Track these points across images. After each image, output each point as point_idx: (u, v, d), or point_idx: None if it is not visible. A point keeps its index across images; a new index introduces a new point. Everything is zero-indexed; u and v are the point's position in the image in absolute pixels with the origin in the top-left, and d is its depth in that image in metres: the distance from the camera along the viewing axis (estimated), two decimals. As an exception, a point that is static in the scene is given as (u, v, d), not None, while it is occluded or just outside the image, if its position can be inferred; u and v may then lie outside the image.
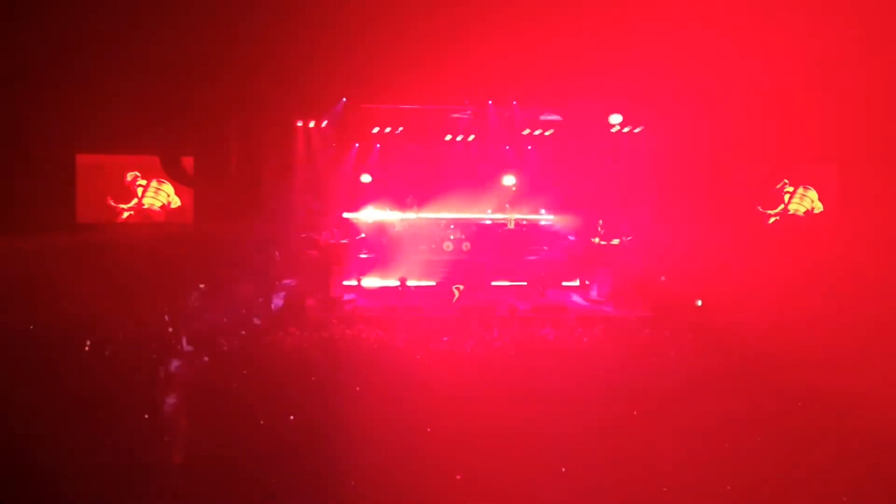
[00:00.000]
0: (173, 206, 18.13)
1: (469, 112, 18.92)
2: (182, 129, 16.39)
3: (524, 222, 19.57)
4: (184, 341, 13.69)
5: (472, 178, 19.82)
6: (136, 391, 10.61)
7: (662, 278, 17.41)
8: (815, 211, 19.48)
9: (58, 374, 10.62)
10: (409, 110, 18.74)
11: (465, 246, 19.04)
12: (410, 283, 17.23)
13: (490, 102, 18.33)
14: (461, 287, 16.86)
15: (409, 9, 14.22)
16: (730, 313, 14.80)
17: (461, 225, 19.51)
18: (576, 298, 17.58)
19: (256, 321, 14.75)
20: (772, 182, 18.96)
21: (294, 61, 15.26)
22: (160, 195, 18.07)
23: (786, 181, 19.27)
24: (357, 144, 19.65)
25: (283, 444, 9.16)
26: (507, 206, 19.67)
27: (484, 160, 19.90)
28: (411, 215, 19.49)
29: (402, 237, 19.07)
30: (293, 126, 18.19)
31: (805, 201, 19.50)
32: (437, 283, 18.14)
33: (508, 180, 19.87)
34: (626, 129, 18.68)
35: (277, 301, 16.09)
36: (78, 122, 16.49)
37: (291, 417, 9.81)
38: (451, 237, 19.15)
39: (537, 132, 19.28)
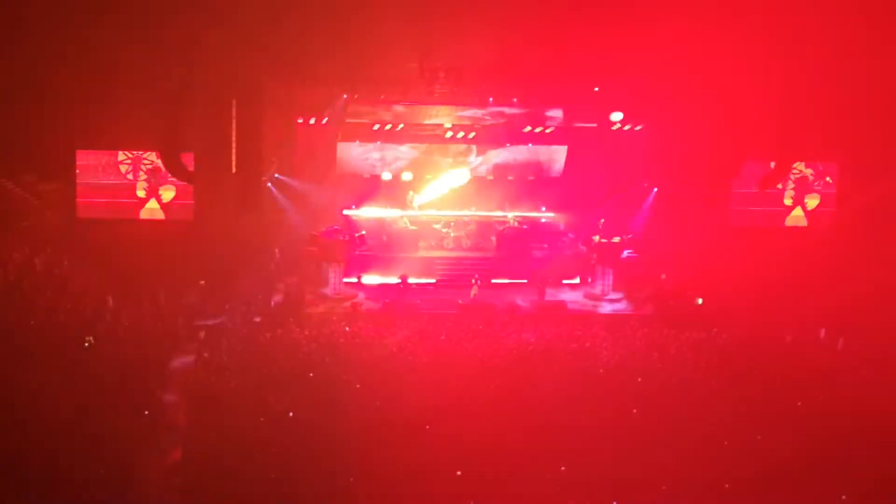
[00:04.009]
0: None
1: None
2: (182, 125, 16.33)
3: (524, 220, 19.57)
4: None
5: None
6: (137, 387, 10.63)
7: (663, 276, 17.42)
8: (814, 210, 19.51)
9: (58, 369, 10.61)
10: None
11: (465, 243, 19.01)
12: (411, 280, 17.21)
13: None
14: (479, 281, 16.87)
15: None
16: (730, 312, 14.81)
17: (461, 223, 19.50)
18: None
19: (256, 319, 14.77)
20: (772, 182, 18.94)
21: (296, 56, 15.21)
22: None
23: (787, 180, 19.29)
24: None
25: (283, 441, 9.18)
26: (507, 204, 19.63)
27: None
28: (411, 212, 19.47)
29: (403, 234, 19.05)
30: (293, 122, 18.14)
31: (805, 201, 19.52)
32: (438, 281, 18.13)
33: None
34: (626, 128, 18.64)
35: (277, 298, 16.07)
36: (78, 119, 16.46)
37: (291, 414, 9.82)
38: (452, 234, 19.13)
39: (538, 129, 19.24)
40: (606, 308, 16.67)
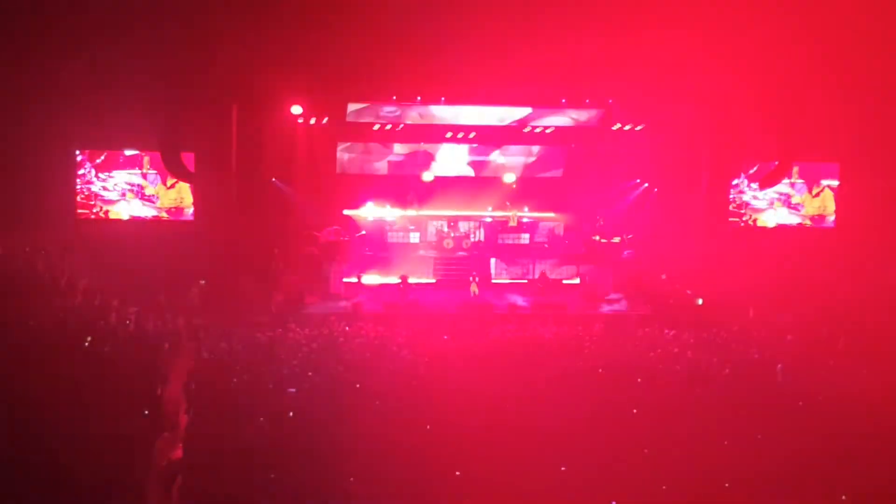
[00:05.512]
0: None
1: None
2: (182, 125, 16.34)
3: (525, 220, 19.54)
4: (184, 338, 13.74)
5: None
6: (137, 387, 10.61)
7: (663, 276, 17.42)
8: (813, 211, 19.58)
9: (58, 369, 10.60)
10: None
11: (466, 243, 18.99)
12: (411, 280, 17.20)
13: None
14: (477, 278, 16.87)
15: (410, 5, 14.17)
16: (730, 312, 14.81)
17: (461, 223, 19.48)
18: None
19: (256, 318, 14.76)
20: (773, 181, 18.96)
21: (298, 56, 15.21)
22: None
23: (785, 180, 19.34)
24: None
25: (283, 440, 9.17)
26: (508, 203, 19.60)
27: None
28: (412, 213, 19.44)
29: (403, 234, 19.03)
30: (294, 122, 18.14)
31: (803, 199, 19.60)
32: (438, 281, 18.13)
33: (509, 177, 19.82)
34: (626, 128, 18.63)
35: (277, 298, 16.07)
36: (78, 119, 16.47)
37: (290, 414, 9.81)
38: (452, 234, 19.10)
39: (538, 130, 19.24)
40: (606, 308, 16.67)
